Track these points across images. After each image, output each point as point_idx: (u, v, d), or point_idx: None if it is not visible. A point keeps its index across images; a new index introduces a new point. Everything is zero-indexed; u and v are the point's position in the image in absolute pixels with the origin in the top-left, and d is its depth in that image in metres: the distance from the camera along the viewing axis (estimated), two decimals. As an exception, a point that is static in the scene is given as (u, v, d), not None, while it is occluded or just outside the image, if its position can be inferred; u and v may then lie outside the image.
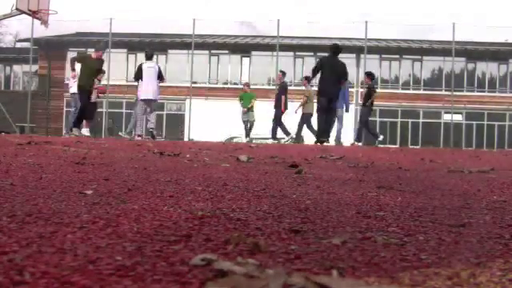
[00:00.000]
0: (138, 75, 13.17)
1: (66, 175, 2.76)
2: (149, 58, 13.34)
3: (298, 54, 31.86)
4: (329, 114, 12.34)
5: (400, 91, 31.90)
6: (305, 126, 16.31)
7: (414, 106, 31.41)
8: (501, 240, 1.42)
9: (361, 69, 30.39)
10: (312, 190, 2.55)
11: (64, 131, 14.12)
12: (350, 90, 31.45)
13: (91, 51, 13.60)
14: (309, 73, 15.61)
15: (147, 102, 13.16)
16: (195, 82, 29.60)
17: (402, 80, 32.54)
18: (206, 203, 1.92)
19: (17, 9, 17.27)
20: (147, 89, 13.02)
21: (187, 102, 29.07)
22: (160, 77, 13.19)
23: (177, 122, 31.15)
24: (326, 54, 14.82)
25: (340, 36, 33.72)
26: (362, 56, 29.32)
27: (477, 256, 1.21)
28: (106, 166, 3.46)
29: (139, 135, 13.09)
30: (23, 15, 18.09)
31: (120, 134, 17.75)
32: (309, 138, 16.36)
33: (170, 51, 32.29)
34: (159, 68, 13.47)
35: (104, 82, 29.26)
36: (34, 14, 17.70)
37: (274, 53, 28.87)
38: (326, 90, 11.98)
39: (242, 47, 32.41)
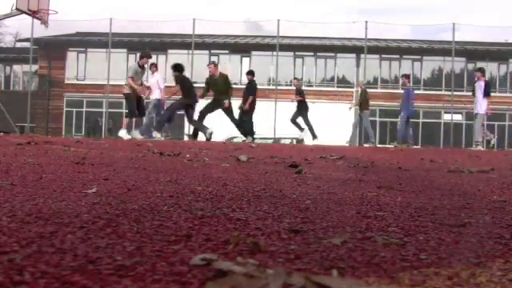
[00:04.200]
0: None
1: (66, 175, 2.76)
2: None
3: (297, 54, 31.86)
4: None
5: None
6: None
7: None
8: (501, 240, 1.42)
9: (361, 69, 30.41)
10: (312, 189, 2.55)
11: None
12: (350, 89, 31.58)
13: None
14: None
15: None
16: (195, 82, 29.56)
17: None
18: (206, 203, 1.92)
19: (17, 9, 17.27)
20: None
21: (187, 101, 29.05)
22: None
23: (177, 122, 31.11)
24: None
25: (340, 36, 33.74)
26: (362, 56, 29.33)
27: (477, 256, 1.21)
28: (105, 166, 3.46)
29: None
30: (23, 15, 18.09)
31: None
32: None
33: (169, 51, 32.28)
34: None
35: (104, 81, 29.39)
36: (33, 13, 17.70)
37: (274, 53, 28.88)
38: None
39: (242, 47, 32.42)
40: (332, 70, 32.36)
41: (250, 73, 15.27)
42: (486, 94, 14.16)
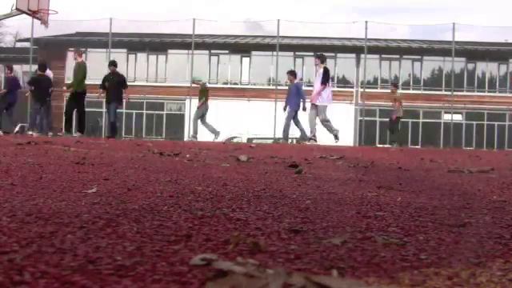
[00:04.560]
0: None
1: (66, 175, 2.76)
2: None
3: (297, 54, 31.87)
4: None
5: (400, 91, 31.88)
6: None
7: (414, 106, 31.42)
8: (501, 240, 1.42)
9: (361, 68, 30.42)
10: (312, 189, 2.55)
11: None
12: (350, 89, 31.55)
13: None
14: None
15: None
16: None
17: (402, 80, 32.56)
18: (206, 203, 1.92)
19: (17, 9, 17.26)
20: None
21: (187, 102, 29.09)
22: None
23: (177, 122, 31.16)
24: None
25: (340, 36, 33.74)
26: (362, 56, 29.33)
27: (477, 256, 1.21)
28: (105, 166, 3.46)
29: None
30: (23, 15, 18.08)
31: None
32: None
33: (169, 51, 32.29)
34: None
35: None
36: (33, 13, 17.69)
37: (274, 53, 28.88)
38: None
39: (242, 47, 32.42)
40: (332, 70, 32.33)
41: (112, 63, 15.15)
42: (324, 81, 12.67)
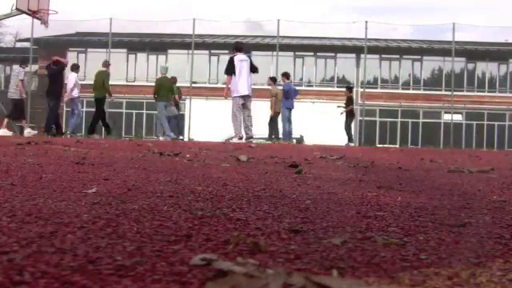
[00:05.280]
0: (231, 69, 12.04)
1: (66, 175, 2.76)
2: (239, 49, 12.27)
3: (297, 54, 31.86)
4: None
5: (400, 91, 31.89)
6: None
7: (414, 106, 31.42)
8: (501, 240, 1.42)
9: (361, 69, 30.41)
10: (312, 189, 2.55)
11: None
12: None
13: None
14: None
15: (245, 98, 12.13)
16: (195, 82, 29.59)
17: (402, 80, 32.56)
18: (206, 203, 1.92)
19: (17, 9, 17.27)
20: (243, 83, 11.95)
21: (187, 102, 29.08)
22: (253, 69, 12.16)
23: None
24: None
25: (340, 36, 33.74)
26: (362, 56, 29.32)
27: (477, 256, 1.21)
28: (105, 166, 3.46)
29: (240, 137, 11.98)
30: (23, 15, 18.09)
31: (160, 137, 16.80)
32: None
33: (169, 51, 32.28)
34: (251, 60, 12.34)
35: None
36: (33, 13, 17.70)
37: (274, 53, 28.87)
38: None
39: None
40: (332, 70, 32.36)
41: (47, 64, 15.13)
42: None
